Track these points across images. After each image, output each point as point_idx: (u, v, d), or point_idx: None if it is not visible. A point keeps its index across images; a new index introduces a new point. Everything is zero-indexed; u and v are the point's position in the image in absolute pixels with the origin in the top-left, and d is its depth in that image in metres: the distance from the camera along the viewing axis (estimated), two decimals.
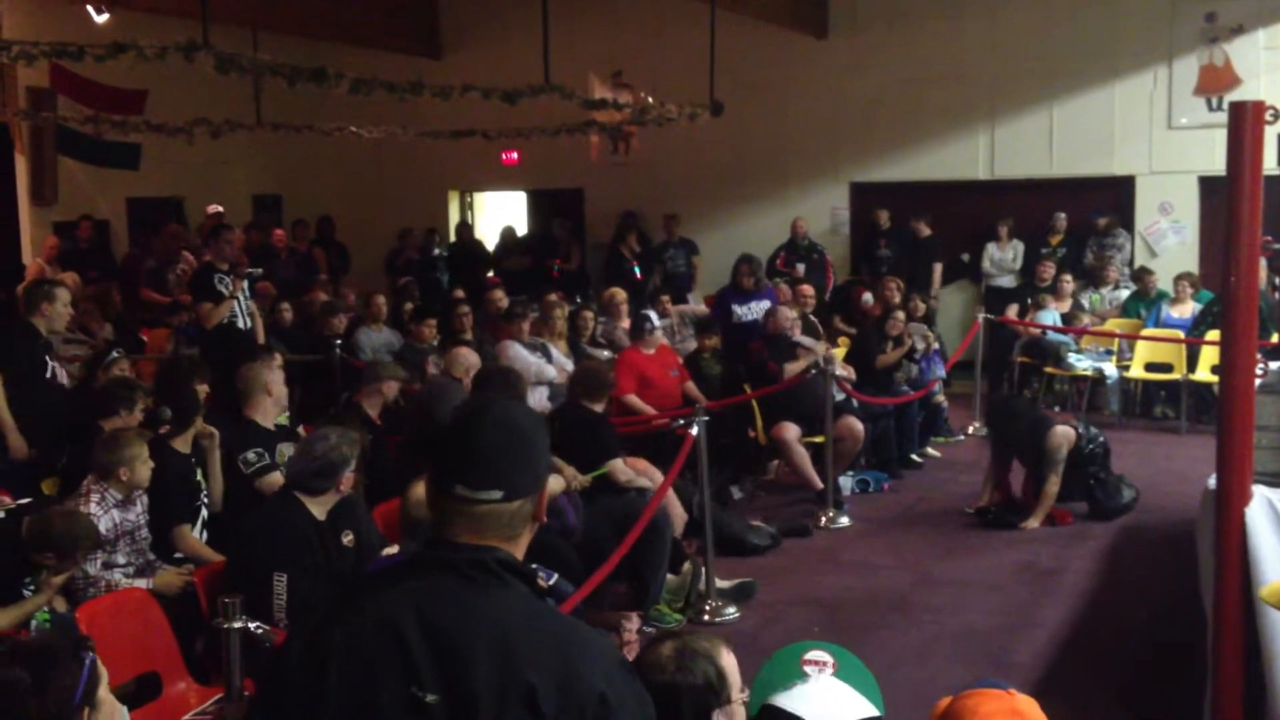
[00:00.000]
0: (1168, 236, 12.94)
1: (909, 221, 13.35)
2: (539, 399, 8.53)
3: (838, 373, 8.51)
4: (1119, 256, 12.74)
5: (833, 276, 13.16)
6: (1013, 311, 12.33)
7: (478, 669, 1.89)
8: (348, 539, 4.87)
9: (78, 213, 14.41)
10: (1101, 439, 8.18)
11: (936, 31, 13.39)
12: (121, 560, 5.26)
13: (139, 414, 6.22)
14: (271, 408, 6.26)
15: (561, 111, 11.35)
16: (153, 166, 13.98)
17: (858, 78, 13.76)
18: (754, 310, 10.37)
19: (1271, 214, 4.03)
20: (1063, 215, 12.94)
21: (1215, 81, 12.38)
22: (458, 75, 11.25)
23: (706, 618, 6.32)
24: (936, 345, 10.64)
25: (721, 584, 6.57)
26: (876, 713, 2.36)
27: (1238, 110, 3.90)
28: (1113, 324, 11.95)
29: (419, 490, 4.31)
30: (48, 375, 6.73)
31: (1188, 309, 11.45)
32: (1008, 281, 13.10)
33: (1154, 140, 12.78)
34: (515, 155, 15.37)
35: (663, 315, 10.55)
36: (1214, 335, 10.00)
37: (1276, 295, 10.61)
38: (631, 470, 6.86)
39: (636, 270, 13.81)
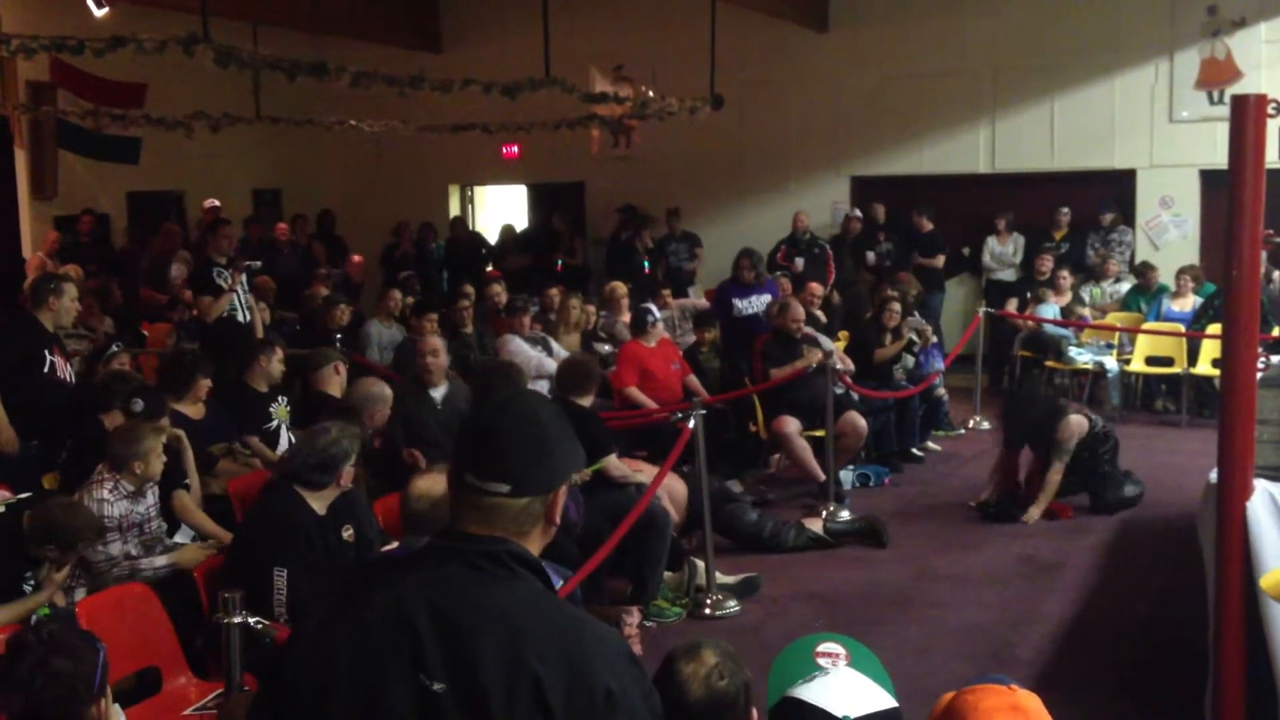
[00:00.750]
0: (1169, 230, 12.94)
1: (911, 216, 13.34)
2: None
3: (838, 366, 8.50)
4: (1123, 252, 12.74)
5: (833, 270, 13.15)
6: (1013, 306, 12.33)
7: (486, 659, 1.89)
8: (347, 534, 4.87)
9: (78, 207, 14.40)
10: (1113, 434, 8.20)
11: (937, 25, 13.38)
12: (133, 551, 5.27)
13: (135, 407, 6.23)
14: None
15: (562, 105, 11.35)
16: (153, 160, 13.95)
17: (858, 72, 13.75)
18: (754, 304, 10.36)
19: (1273, 207, 4.02)
20: (1066, 210, 12.93)
21: (1216, 75, 12.37)
22: (458, 69, 11.23)
23: (708, 612, 6.32)
24: (934, 339, 10.63)
25: (724, 579, 6.56)
26: (894, 703, 2.36)
27: (1240, 103, 3.89)
28: (1113, 318, 11.94)
29: (420, 484, 4.30)
30: (45, 370, 6.70)
31: (1188, 302, 11.44)
32: (1008, 276, 13.10)
33: (1155, 134, 12.77)
34: (516, 149, 15.36)
35: (663, 309, 10.55)
36: (1215, 329, 10.00)
37: (1274, 288, 10.61)
38: (626, 467, 6.85)
39: (646, 265, 13.81)
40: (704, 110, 11.38)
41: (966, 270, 13.72)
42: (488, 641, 1.90)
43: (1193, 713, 4.52)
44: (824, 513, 7.92)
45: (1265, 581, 1.83)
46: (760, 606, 6.47)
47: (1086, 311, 11.87)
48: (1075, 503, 8.11)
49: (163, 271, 12.69)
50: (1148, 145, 12.83)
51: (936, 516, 8.18)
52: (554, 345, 9.47)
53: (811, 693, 2.34)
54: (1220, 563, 4.13)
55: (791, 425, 8.50)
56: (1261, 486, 4.22)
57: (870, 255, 13.45)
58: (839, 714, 2.28)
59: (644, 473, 6.90)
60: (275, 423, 7.31)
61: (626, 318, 10.20)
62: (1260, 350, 4.19)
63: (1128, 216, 12.97)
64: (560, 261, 14.61)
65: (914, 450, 9.77)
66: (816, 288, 11.01)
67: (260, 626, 3.43)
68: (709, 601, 6.36)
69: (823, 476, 8.27)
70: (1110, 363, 11.36)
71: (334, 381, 7.39)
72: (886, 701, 2.35)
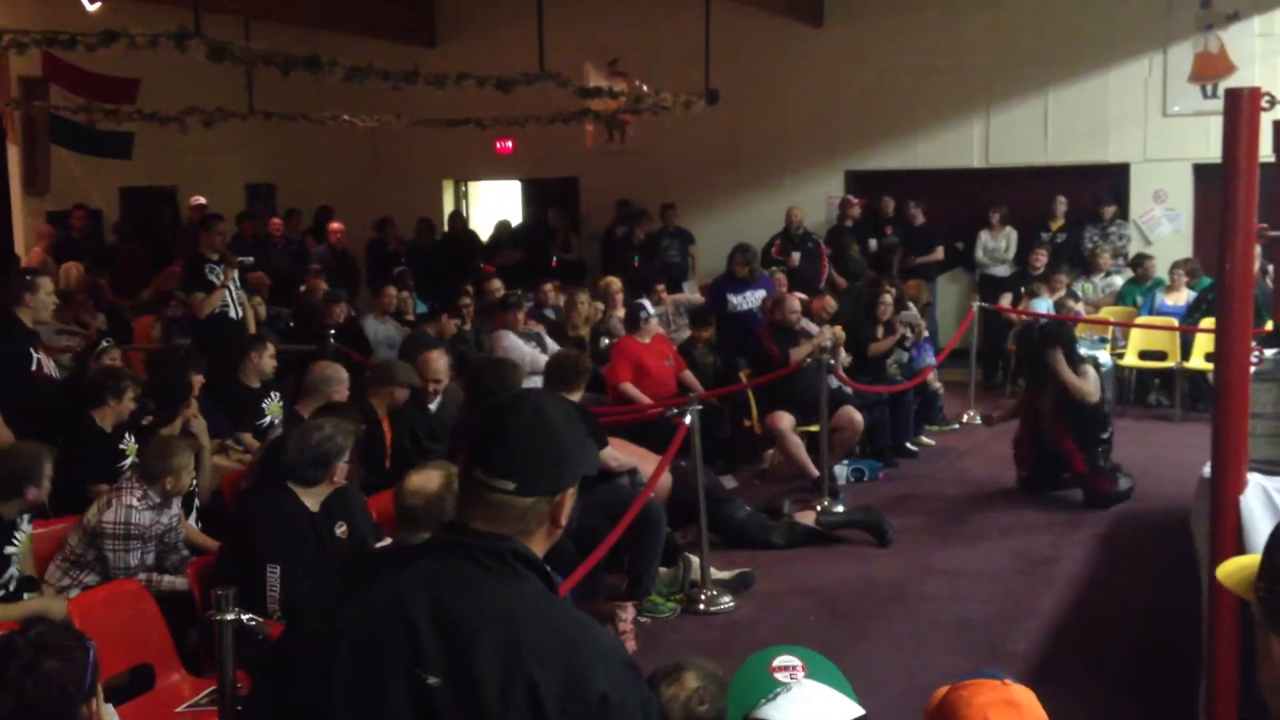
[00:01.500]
0: (1162, 224, 12.96)
1: (907, 209, 13.36)
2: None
3: (831, 361, 8.49)
4: (1122, 246, 12.75)
5: (827, 265, 13.15)
6: (1007, 300, 12.33)
7: (482, 656, 1.88)
8: (341, 530, 4.86)
9: (70, 202, 14.37)
10: (1110, 419, 8.38)
11: (932, 20, 13.38)
12: (150, 560, 5.27)
13: (129, 403, 6.22)
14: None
15: (556, 100, 11.33)
16: (145, 156, 13.94)
17: (853, 66, 13.74)
18: (749, 300, 10.35)
19: (1266, 201, 4.01)
20: (1063, 199, 12.94)
21: (1210, 68, 12.38)
22: (452, 63, 11.22)
23: (702, 607, 6.31)
24: (926, 334, 10.61)
25: (719, 574, 6.56)
26: (860, 710, 2.31)
27: (1233, 97, 3.89)
28: (1107, 312, 11.95)
29: (414, 480, 4.30)
30: (33, 368, 6.68)
31: (1182, 296, 11.46)
32: (1002, 270, 13.10)
33: (1149, 127, 12.78)
34: (510, 144, 15.33)
35: (658, 304, 10.54)
36: (1208, 323, 10.01)
37: (1270, 282, 10.61)
38: (619, 454, 6.83)
39: (636, 260, 13.81)
40: (699, 105, 11.37)
41: (960, 265, 13.73)
42: (486, 640, 1.89)
43: (1186, 706, 4.52)
44: (819, 506, 7.86)
45: (1222, 571, 1.83)
46: (755, 602, 6.47)
47: (1080, 306, 11.87)
48: (1069, 497, 8.12)
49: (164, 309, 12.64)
50: (1141, 139, 12.84)
51: (931, 511, 8.18)
52: (548, 341, 9.46)
53: (779, 712, 2.28)
54: (1214, 557, 4.13)
55: (785, 421, 8.50)
56: (1255, 480, 4.22)
57: (873, 243, 13.47)
58: None
59: (638, 456, 6.90)
60: (269, 419, 7.30)
61: (621, 313, 10.19)
62: (1254, 344, 4.17)
63: (1122, 211, 12.99)
64: (555, 257, 14.60)
65: (908, 445, 9.78)
66: (830, 301, 10.55)
67: (254, 623, 3.42)
68: (703, 597, 6.35)
69: (816, 472, 8.27)
70: (1104, 357, 11.36)
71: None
72: (853, 710, 2.30)
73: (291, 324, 11.18)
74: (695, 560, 6.46)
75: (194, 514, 5.85)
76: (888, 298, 9.95)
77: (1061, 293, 11.90)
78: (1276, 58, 12.07)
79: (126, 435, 6.25)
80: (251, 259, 10.05)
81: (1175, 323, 11.09)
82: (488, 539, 2.00)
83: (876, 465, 9.15)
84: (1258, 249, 8.03)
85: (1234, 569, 1.77)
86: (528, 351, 8.88)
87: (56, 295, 7.44)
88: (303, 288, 12.00)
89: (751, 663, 2.48)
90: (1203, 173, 12.38)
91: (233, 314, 8.78)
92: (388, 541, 4.86)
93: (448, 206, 16.61)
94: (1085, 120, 12.98)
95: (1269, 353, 5.05)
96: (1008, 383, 12.03)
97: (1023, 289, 12.26)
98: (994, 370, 12.28)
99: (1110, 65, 12.81)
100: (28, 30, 8.64)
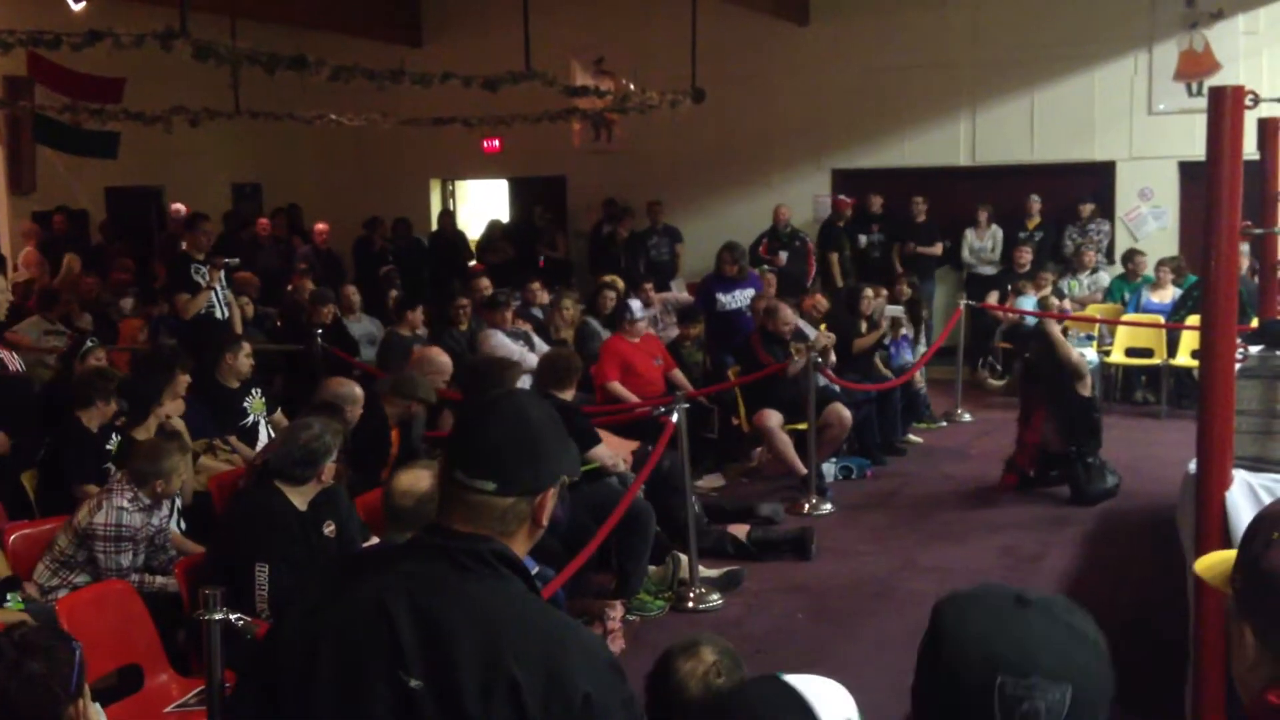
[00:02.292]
0: (1148, 222, 13.00)
1: (910, 204, 13.37)
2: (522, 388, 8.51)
3: (819, 359, 8.50)
4: (1100, 243, 12.79)
5: (814, 264, 13.17)
6: (993, 298, 12.36)
7: (463, 658, 1.88)
8: (329, 529, 4.85)
9: (56, 202, 14.33)
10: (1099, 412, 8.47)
11: (918, 18, 13.40)
12: (140, 562, 5.26)
13: (115, 404, 6.20)
14: None
15: (543, 99, 11.32)
16: (131, 155, 13.87)
17: (839, 65, 13.76)
18: (738, 298, 10.36)
19: (1250, 199, 4.03)
20: (1037, 198, 12.97)
21: (1195, 67, 12.42)
22: (438, 62, 11.19)
23: (691, 606, 6.32)
24: (905, 331, 10.61)
25: (707, 572, 6.56)
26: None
27: (1217, 95, 3.90)
28: (1093, 309, 11.98)
29: (402, 480, 4.30)
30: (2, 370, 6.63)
31: (1168, 294, 11.49)
32: (988, 270, 13.13)
33: (1134, 125, 12.82)
34: (497, 143, 15.32)
35: (646, 303, 10.54)
36: (1194, 320, 10.04)
37: (1255, 279, 10.64)
38: (610, 450, 6.83)
39: (621, 258, 13.81)
40: (685, 103, 11.37)
41: (947, 263, 13.76)
42: (467, 641, 1.89)
43: (1173, 704, 4.54)
44: (750, 524, 7.56)
45: (1200, 565, 1.84)
46: (743, 600, 6.47)
47: (1065, 304, 11.90)
48: (1056, 494, 8.15)
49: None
50: (1127, 137, 12.88)
51: (918, 509, 8.20)
52: (536, 340, 9.46)
53: (804, 685, 2.26)
54: (1199, 553, 4.15)
55: (773, 419, 8.50)
56: (1240, 477, 4.24)
57: (862, 239, 13.49)
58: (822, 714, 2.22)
59: (622, 450, 6.90)
60: (251, 418, 7.28)
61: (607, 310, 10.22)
62: (1239, 341, 4.19)
63: (1107, 208, 13.03)
64: (542, 256, 14.59)
65: (896, 443, 9.79)
66: (820, 299, 10.50)
67: (242, 623, 3.41)
68: (692, 595, 6.36)
69: (804, 470, 8.28)
70: (1090, 354, 11.38)
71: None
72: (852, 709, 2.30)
73: (279, 323, 11.16)
74: (684, 559, 6.47)
75: (175, 515, 5.83)
76: (870, 292, 9.98)
77: (1046, 290, 11.93)
78: (1261, 55, 12.12)
79: (112, 435, 6.24)
80: (237, 260, 10.03)
81: (1161, 320, 11.12)
82: (468, 540, 2.00)
83: (864, 463, 9.16)
84: (1245, 246, 8.10)
85: (1212, 563, 1.79)
86: (515, 350, 8.87)
87: (47, 293, 7.40)
88: (290, 287, 11.98)
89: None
90: (1188, 170, 12.42)
91: (219, 314, 8.76)
92: (374, 541, 4.86)
93: (435, 206, 16.59)
94: (1071, 118, 13.01)
95: (1254, 350, 5.06)
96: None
97: (1009, 287, 12.29)
98: (981, 368, 12.30)
99: (1096, 63, 12.84)
100: (12, 30, 8.61)
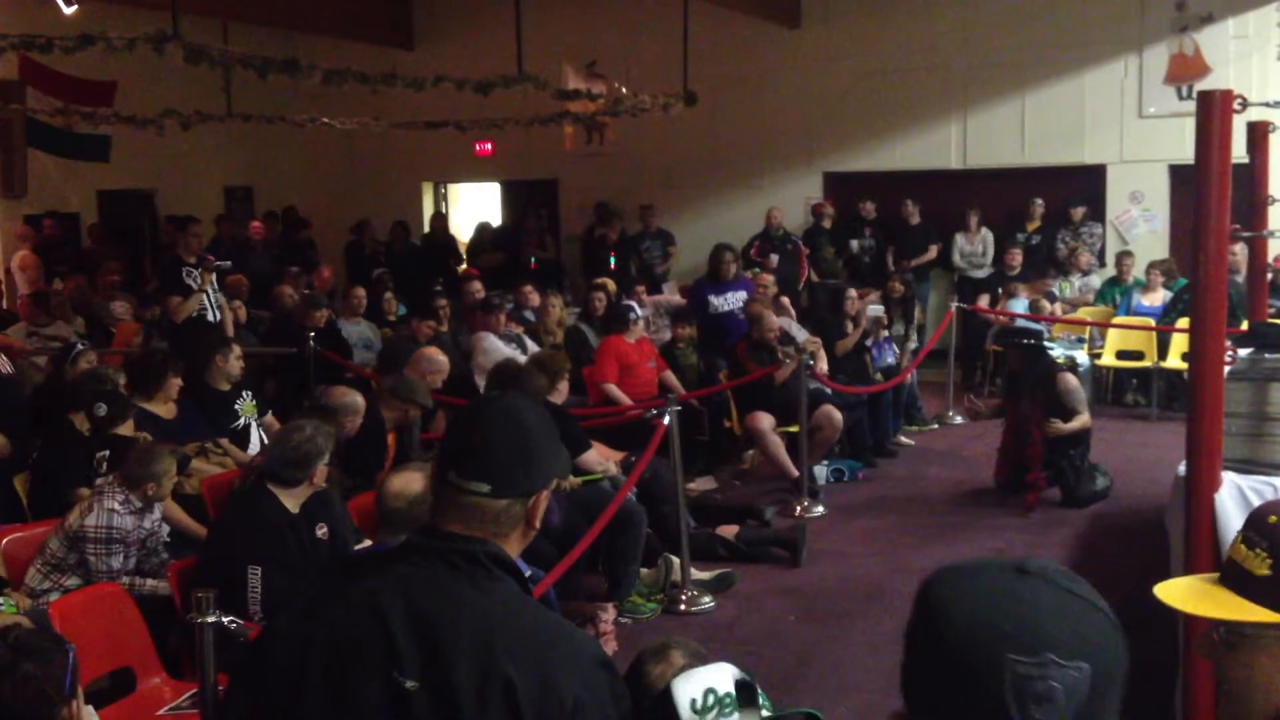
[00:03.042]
0: (1138, 225, 13.04)
1: (901, 208, 13.41)
2: None
3: (810, 362, 8.51)
4: (1093, 245, 12.83)
5: (806, 266, 13.19)
6: (985, 301, 12.39)
7: (458, 659, 1.89)
8: (321, 532, 4.86)
9: (48, 205, 14.31)
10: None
11: (909, 21, 13.43)
12: (131, 565, 5.25)
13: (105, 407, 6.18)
14: None
15: (535, 102, 11.33)
16: (123, 159, 13.88)
17: (831, 68, 13.79)
18: (730, 301, 10.35)
19: (1240, 202, 4.05)
20: (1040, 201, 13.01)
21: (1185, 70, 12.47)
22: (430, 66, 11.21)
23: (683, 608, 6.32)
24: (886, 333, 10.63)
25: (699, 575, 6.57)
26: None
27: (1206, 99, 3.92)
28: (1084, 312, 12.02)
29: (394, 482, 4.30)
30: None
31: (1158, 297, 11.53)
32: (980, 274, 13.17)
33: (1125, 129, 12.86)
34: (489, 146, 15.33)
35: (640, 306, 10.55)
36: (1184, 323, 10.07)
37: (1244, 282, 10.68)
38: (602, 459, 6.84)
39: (612, 261, 13.81)
40: (677, 107, 11.38)
41: (939, 266, 13.79)
42: (462, 643, 1.90)
43: (1163, 707, 4.55)
44: (739, 526, 7.54)
45: (1160, 590, 1.83)
46: (735, 602, 6.48)
47: (1056, 307, 11.94)
48: (1047, 496, 8.17)
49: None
50: (1117, 140, 12.93)
51: (910, 510, 8.21)
52: (528, 342, 9.46)
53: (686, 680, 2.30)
54: (1189, 556, 4.16)
55: (765, 421, 8.51)
56: (1230, 479, 4.25)
57: (854, 244, 13.52)
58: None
59: (610, 460, 6.91)
60: (243, 420, 7.27)
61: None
62: (1228, 344, 4.21)
63: (1098, 211, 13.06)
64: (532, 258, 14.60)
65: (887, 445, 9.81)
66: (784, 301, 10.72)
67: (234, 626, 3.42)
68: (684, 597, 6.37)
69: (796, 472, 8.30)
70: (1081, 357, 11.43)
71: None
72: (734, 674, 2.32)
73: (270, 326, 11.13)
74: (676, 561, 6.48)
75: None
76: (853, 293, 10.01)
77: (1039, 294, 11.98)
78: (1251, 59, 12.18)
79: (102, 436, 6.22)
80: (229, 263, 10.02)
81: (1152, 323, 11.16)
82: (462, 542, 2.01)
83: (856, 465, 9.17)
84: (1238, 248, 8.13)
85: (1171, 591, 1.79)
86: (507, 353, 8.88)
87: (40, 297, 7.39)
88: (286, 288, 11.94)
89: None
90: (1179, 174, 12.46)
91: (211, 317, 8.76)
92: (367, 544, 4.86)
93: (427, 209, 16.59)
94: (1062, 122, 13.05)
95: (1243, 352, 5.08)
96: (986, 383, 12.07)
97: (1000, 290, 12.32)
98: (973, 370, 12.33)
99: (1086, 67, 12.89)
100: (4, 34, 8.61)
